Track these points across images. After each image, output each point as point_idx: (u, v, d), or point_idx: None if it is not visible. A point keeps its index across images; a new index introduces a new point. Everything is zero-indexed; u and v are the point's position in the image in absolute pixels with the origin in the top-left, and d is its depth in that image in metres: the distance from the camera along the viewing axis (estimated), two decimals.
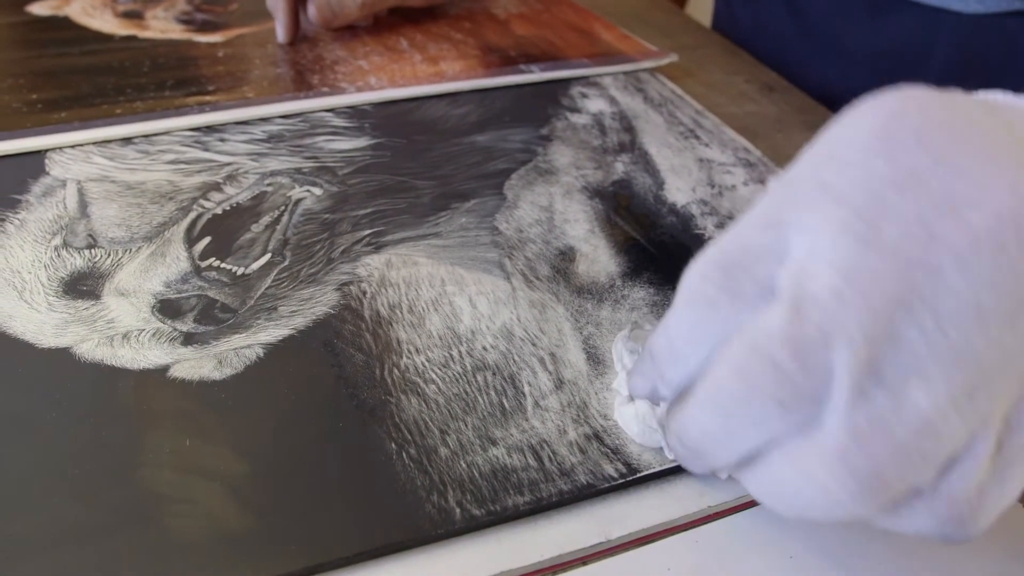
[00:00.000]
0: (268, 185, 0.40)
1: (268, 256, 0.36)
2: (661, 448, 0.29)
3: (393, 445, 0.28)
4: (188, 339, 0.31)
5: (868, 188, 0.20)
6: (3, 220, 0.37)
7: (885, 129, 0.21)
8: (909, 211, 0.20)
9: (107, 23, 0.56)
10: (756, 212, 0.23)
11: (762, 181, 0.43)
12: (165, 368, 0.30)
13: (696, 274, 0.23)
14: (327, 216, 0.38)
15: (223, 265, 0.35)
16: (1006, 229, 0.19)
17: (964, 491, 0.21)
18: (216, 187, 0.40)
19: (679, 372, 0.24)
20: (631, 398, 0.29)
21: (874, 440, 0.20)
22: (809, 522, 0.25)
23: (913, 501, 0.21)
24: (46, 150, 0.42)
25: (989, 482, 0.21)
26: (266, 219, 0.38)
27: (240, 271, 0.35)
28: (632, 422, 0.29)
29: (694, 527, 0.27)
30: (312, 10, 0.53)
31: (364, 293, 0.34)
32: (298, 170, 0.41)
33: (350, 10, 0.54)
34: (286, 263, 0.36)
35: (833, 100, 0.53)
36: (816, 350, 0.20)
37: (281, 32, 0.54)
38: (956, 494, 0.21)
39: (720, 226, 0.39)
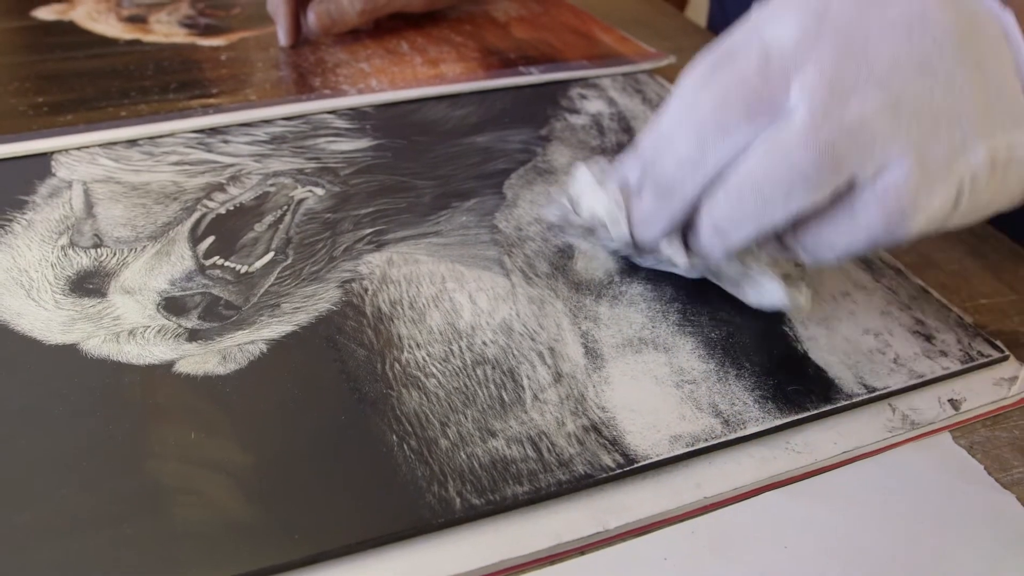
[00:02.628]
0: (271, 185, 0.41)
1: (271, 254, 0.36)
2: (610, 225, 0.34)
3: (394, 437, 0.28)
4: (193, 335, 0.32)
5: None
6: (11, 220, 0.38)
7: None
8: (846, 3, 0.29)
9: (111, 27, 0.57)
10: (739, 26, 0.31)
11: None
12: (170, 364, 0.31)
13: (688, 70, 0.31)
14: (329, 215, 0.39)
15: (227, 263, 0.36)
16: (912, 20, 0.28)
17: (902, 185, 0.28)
18: (220, 187, 0.40)
19: (664, 156, 0.31)
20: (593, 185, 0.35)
21: (829, 121, 0.27)
22: (762, 217, 0.29)
23: (860, 193, 0.28)
24: (52, 152, 0.43)
25: (920, 188, 0.28)
26: (269, 218, 0.39)
27: (244, 269, 0.35)
28: (589, 187, 0.35)
29: (690, 518, 0.28)
30: (312, 17, 0.54)
31: (366, 290, 0.35)
32: (300, 171, 0.42)
33: (349, 17, 0.54)
34: (289, 261, 0.36)
35: None
36: (778, 73, 0.28)
37: (282, 35, 0.55)
38: (897, 186, 0.28)
39: None
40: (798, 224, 0.30)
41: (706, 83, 0.30)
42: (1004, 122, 0.29)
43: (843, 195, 0.28)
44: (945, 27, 0.28)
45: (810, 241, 0.30)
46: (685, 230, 0.32)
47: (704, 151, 0.29)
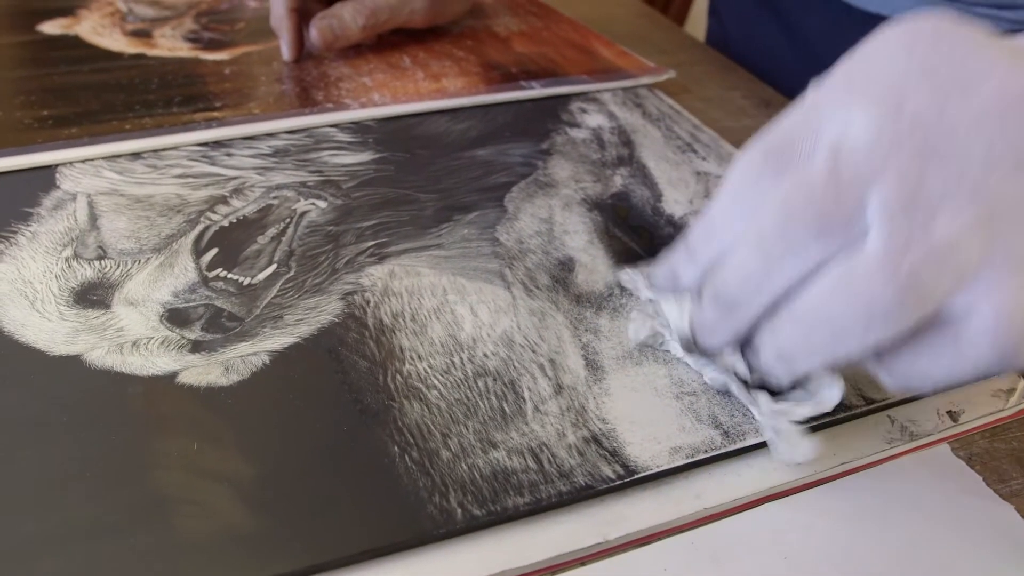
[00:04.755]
0: (274, 198, 0.41)
1: (274, 267, 0.37)
2: (673, 344, 0.32)
3: (396, 448, 0.29)
4: (196, 347, 0.32)
5: (890, 80, 0.25)
6: (15, 232, 0.38)
7: (904, 38, 0.26)
8: (924, 93, 0.25)
9: (116, 42, 0.57)
10: (793, 109, 0.27)
11: None
12: (173, 375, 0.31)
13: (740, 161, 0.28)
14: (331, 228, 0.39)
15: (230, 275, 0.36)
16: (1005, 107, 0.24)
17: (1004, 304, 0.24)
18: (223, 200, 0.41)
19: (711, 249, 0.28)
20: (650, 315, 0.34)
21: (911, 249, 0.24)
22: (835, 349, 0.26)
23: (962, 320, 0.24)
24: (57, 165, 0.43)
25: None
26: (272, 231, 0.39)
27: (246, 281, 0.36)
28: (644, 325, 0.33)
29: (690, 529, 0.28)
30: (314, 32, 0.54)
31: (368, 302, 0.35)
32: (303, 184, 0.42)
33: (351, 32, 0.55)
34: (291, 273, 0.36)
35: None
36: (851, 187, 0.25)
37: (286, 50, 0.55)
38: (1008, 313, 0.24)
39: None
40: (882, 351, 0.26)
41: (765, 181, 0.27)
42: None
43: (936, 321, 0.25)
44: None
45: (900, 369, 0.26)
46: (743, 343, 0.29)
47: (770, 270, 0.26)
